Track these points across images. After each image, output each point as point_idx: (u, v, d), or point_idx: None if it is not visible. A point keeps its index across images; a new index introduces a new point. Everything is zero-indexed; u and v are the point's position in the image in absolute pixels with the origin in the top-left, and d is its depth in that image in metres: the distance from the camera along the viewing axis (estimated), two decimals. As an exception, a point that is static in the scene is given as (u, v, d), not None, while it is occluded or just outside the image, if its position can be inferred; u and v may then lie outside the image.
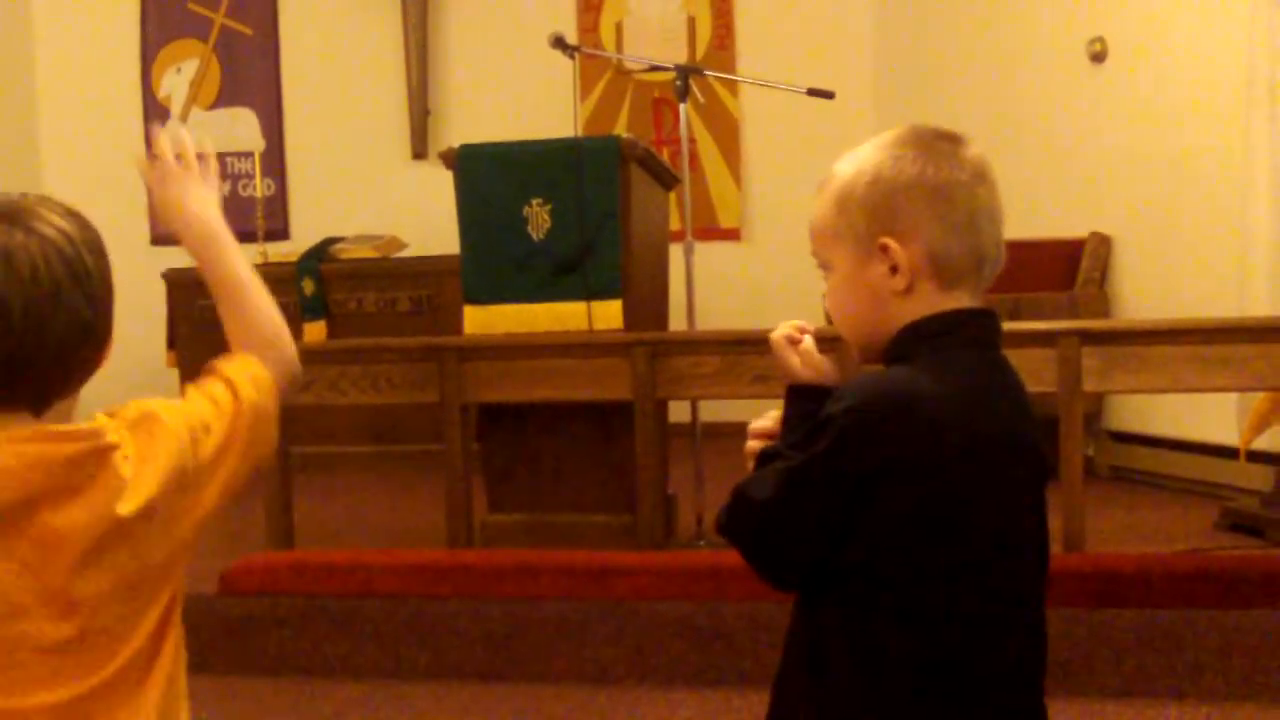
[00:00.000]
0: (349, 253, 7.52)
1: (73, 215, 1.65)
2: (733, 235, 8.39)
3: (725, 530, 1.77)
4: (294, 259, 7.49)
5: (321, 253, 7.50)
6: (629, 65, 8.25)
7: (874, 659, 1.67)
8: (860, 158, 1.75)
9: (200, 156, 1.95)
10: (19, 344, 1.58)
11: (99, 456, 1.60)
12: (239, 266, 1.90)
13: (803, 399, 1.81)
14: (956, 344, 1.71)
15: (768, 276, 8.17)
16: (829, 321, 1.87)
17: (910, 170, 1.70)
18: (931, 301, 1.72)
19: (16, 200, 1.63)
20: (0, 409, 1.60)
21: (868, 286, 1.74)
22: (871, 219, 1.71)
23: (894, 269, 1.71)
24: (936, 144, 1.73)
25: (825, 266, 1.80)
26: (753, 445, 1.83)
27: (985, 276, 1.75)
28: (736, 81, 8.14)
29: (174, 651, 1.71)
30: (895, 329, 1.73)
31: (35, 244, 1.58)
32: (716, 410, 6.76)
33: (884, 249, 1.70)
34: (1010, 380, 1.76)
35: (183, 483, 1.67)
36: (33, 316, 1.57)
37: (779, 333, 1.88)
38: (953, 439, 1.64)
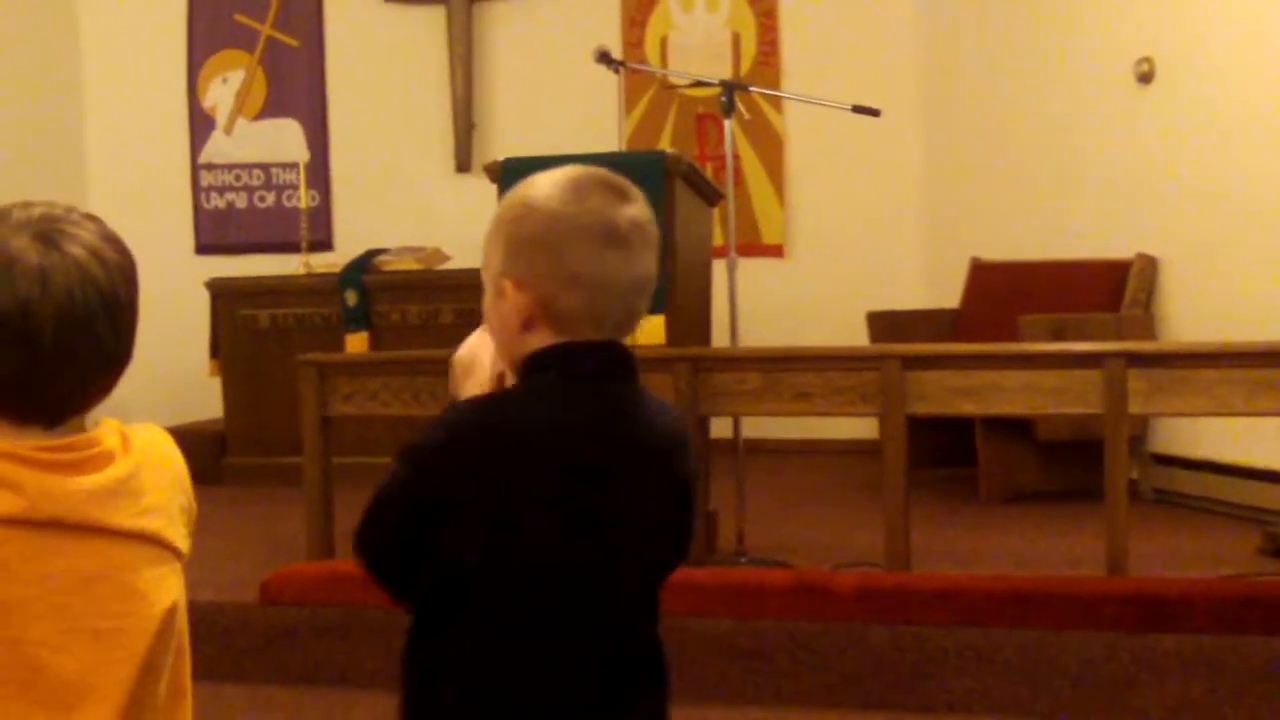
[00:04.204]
0: (392, 264, 7.55)
1: (111, 240, 1.62)
2: (776, 252, 8.36)
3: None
4: (337, 270, 7.51)
5: (365, 264, 7.52)
6: (673, 80, 8.25)
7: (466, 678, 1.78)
8: (516, 194, 1.86)
9: None
10: (45, 367, 1.56)
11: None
12: None
13: None
14: (562, 376, 1.78)
15: (810, 293, 8.16)
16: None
17: (566, 218, 1.78)
18: (549, 339, 1.79)
19: (59, 217, 1.59)
20: (14, 423, 1.58)
21: (499, 315, 1.82)
22: (503, 258, 1.80)
23: (514, 307, 1.79)
24: (598, 193, 1.81)
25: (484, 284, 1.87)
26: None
27: (608, 330, 1.84)
28: (781, 98, 8.13)
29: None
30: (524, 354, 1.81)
31: (74, 267, 1.55)
32: (758, 427, 6.76)
33: (501, 292, 1.79)
34: (614, 409, 1.83)
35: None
36: (62, 342, 1.55)
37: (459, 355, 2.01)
38: (523, 464, 1.71)
